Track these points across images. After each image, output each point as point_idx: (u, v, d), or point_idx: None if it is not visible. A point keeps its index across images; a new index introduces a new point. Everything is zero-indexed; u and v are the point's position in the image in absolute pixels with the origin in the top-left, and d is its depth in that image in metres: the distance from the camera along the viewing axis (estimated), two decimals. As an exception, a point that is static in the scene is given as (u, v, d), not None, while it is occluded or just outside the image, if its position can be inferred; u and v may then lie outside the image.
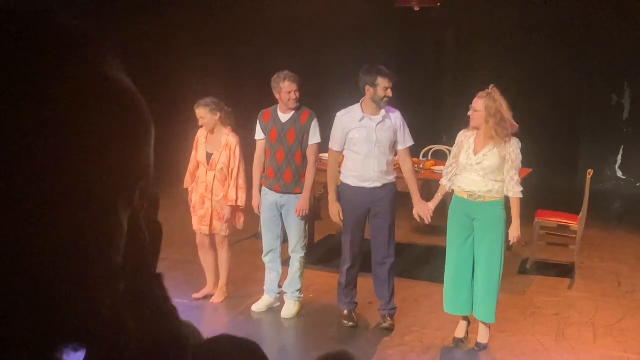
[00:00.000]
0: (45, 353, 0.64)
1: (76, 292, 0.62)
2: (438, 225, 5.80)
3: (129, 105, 0.66)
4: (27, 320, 0.60)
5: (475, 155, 5.26)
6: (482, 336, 5.58)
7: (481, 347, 5.55)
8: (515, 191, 5.26)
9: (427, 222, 5.83)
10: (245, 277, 6.83)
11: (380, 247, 5.78)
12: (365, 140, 5.59)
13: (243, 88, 11.04)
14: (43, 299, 0.60)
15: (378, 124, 5.58)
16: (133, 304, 0.74)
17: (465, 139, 5.39)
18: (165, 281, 0.81)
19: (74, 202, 0.61)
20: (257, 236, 7.12)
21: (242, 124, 6.43)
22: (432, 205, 5.65)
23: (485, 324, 5.55)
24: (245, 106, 7.69)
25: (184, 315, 0.83)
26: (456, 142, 5.49)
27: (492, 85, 5.25)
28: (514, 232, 5.34)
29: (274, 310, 6.17)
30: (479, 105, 5.20)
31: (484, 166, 5.22)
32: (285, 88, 5.74)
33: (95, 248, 0.63)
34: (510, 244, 5.45)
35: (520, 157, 5.23)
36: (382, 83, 5.49)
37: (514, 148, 5.20)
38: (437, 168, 7.56)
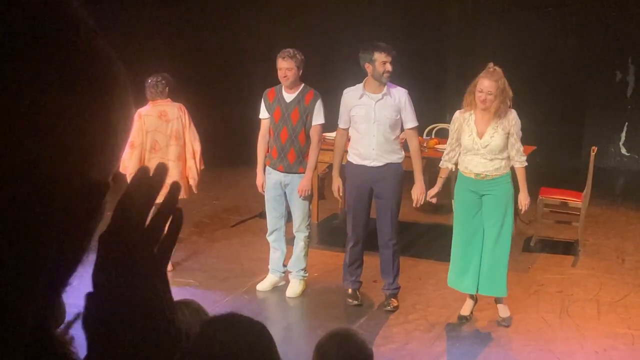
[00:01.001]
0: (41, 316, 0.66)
1: (58, 260, 0.64)
2: (442, 203, 5.80)
3: (118, 89, 0.67)
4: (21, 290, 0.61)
5: (480, 138, 5.23)
6: (503, 311, 5.58)
7: (507, 322, 5.54)
8: (520, 161, 5.34)
9: (415, 206, 5.88)
10: (249, 257, 6.85)
11: (383, 229, 5.79)
12: (364, 117, 5.59)
13: (248, 68, 11.01)
14: (30, 266, 0.61)
15: (377, 101, 5.56)
16: (128, 289, 0.75)
17: (463, 121, 5.32)
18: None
19: (69, 184, 0.62)
20: (262, 215, 7.13)
21: (251, 102, 6.39)
22: (434, 190, 5.62)
23: (501, 299, 5.56)
24: (250, 85, 7.66)
25: (189, 294, 0.83)
26: (454, 123, 5.41)
27: (491, 63, 5.21)
28: (524, 200, 5.46)
29: (278, 289, 6.19)
30: (493, 88, 5.10)
31: (491, 148, 5.21)
32: (277, 64, 5.74)
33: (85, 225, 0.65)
34: (522, 212, 5.61)
35: (519, 124, 5.27)
36: (379, 58, 5.46)
37: (515, 121, 5.23)
38: (440, 146, 7.54)
